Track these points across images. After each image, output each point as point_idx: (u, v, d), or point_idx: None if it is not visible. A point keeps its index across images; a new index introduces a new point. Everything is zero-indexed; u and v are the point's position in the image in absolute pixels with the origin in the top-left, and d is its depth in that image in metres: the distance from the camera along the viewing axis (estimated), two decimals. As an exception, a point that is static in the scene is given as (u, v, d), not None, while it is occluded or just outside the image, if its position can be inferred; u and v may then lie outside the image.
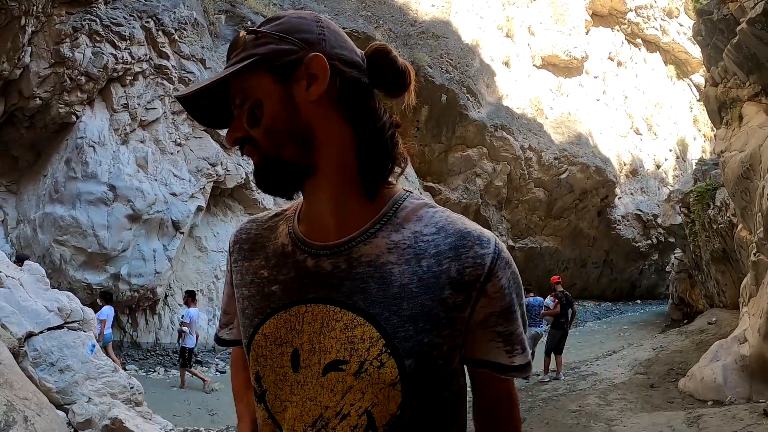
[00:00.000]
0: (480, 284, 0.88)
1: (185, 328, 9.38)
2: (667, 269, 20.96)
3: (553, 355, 9.26)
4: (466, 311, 0.88)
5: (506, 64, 20.80)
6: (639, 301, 25.81)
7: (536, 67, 22.11)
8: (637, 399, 6.09)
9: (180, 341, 9.62)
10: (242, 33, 0.95)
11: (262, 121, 0.90)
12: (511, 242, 21.41)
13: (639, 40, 27.06)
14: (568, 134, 21.50)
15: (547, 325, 9.58)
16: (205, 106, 0.97)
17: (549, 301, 9.74)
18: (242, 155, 0.97)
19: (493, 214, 20.71)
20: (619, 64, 25.62)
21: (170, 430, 5.48)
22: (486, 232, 0.93)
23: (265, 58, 0.90)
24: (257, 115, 0.90)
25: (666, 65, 28.37)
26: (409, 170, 18.54)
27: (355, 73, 0.94)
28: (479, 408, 1.01)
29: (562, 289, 9.49)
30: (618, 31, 26.03)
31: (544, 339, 9.82)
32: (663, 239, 23.80)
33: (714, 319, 10.73)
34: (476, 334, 0.91)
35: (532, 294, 10.36)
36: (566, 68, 23.01)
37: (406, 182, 18.20)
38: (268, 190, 0.94)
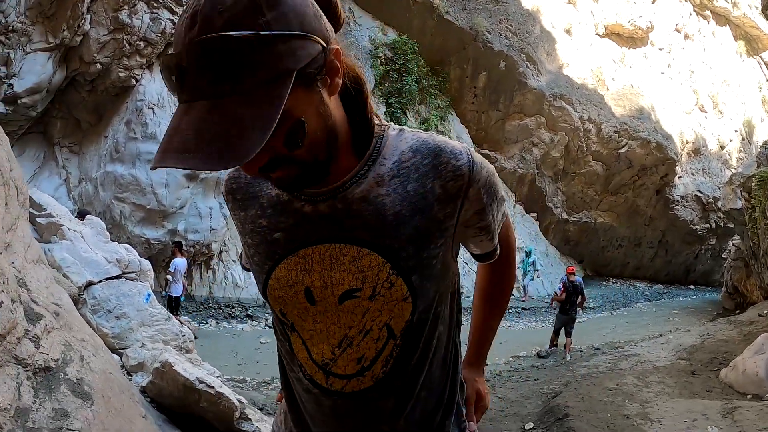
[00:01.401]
0: (463, 192, 0.98)
1: (169, 277, 9.87)
2: (723, 256, 20.15)
3: (568, 338, 10.23)
4: (454, 218, 0.99)
5: (568, 31, 20.13)
6: (692, 287, 25.02)
7: (599, 36, 21.28)
8: (675, 384, 6.03)
9: (166, 290, 10.07)
10: (233, 32, 0.71)
11: (307, 138, 0.83)
12: (565, 215, 21.06)
13: (708, 12, 25.55)
14: (629, 107, 20.72)
15: (555, 309, 10.78)
16: None
17: (557, 288, 10.84)
18: (270, 173, 0.87)
19: (548, 185, 20.37)
20: (686, 36, 24.31)
21: (217, 376, 5.82)
22: (456, 144, 1.00)
23: (304, 72, 0.78)
24: (300, 136, 0.82)
25: (735, 40, 26.73)
26: (466, 137, 18.43)
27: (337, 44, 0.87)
28: (482, 278, 1.34)
29: (572, 279, 10.39)
30: (686, 1, 24.61)
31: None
32: (722, 224, 22.86)
33: (766, 312, 10.36)
34: (464, 230, 1.04)
35: (575, 274, 11.22)
36: (630, 38, 22.04)
37: (462, 147, 18.04)
38: (302, 189, 0.95)
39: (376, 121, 1.02)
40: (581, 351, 10.02)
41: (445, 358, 1.12)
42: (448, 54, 17.56)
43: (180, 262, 10.12)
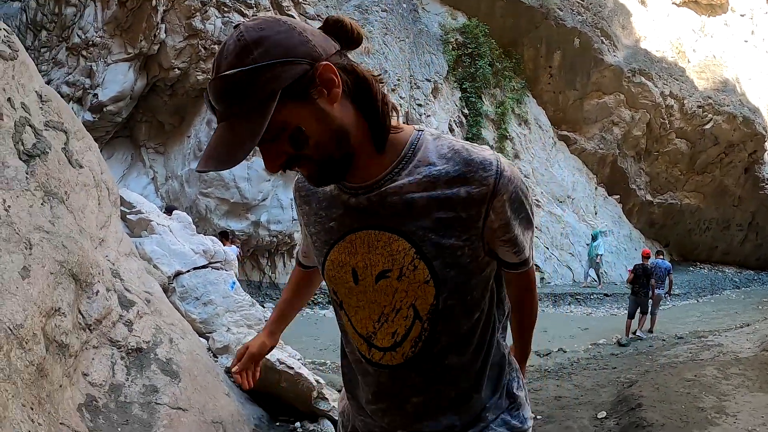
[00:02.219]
0: (487, 200, 1.10)
1: None
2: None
3: (643, 316, 10.29)
4: (479, 222, 1.11)
5: (643, 3, 19.08)
6: (786, 273, 23.27)
7: (676, 5, 19.96)
8: (757, 377, 5.70)
9: None
10: (230, 71, 0.94)
11: (310, 142, 1.01)
12: (649, 197, 20.14)
13: None
14: (713, 80, 19.45)
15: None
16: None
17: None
18: (290, 169, 1.06)
19: (630, 165, 19.54)
20: (770, -1, 22.35)
21: (298, 359, 6.11)
22: (488, 155, 1.12)
23: (288, 87, 0.95)
24: (302, 140, 1.00)
25: None
26: (543, 119, 17.99)
27: (340, 58, 1.04)
28: (509, 292, 1.35)
29: (643, 263, 10.37)
30: None
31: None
32: (818, 203, 21.15)
33: None
34: (492, 239, 1.15)
35: (661, 256, 11.72)
36: (709, 6, 20.53)
37: (540, 131, 17.78)
38: (327, 184, 1.12)
39: (400, 121, 1.16)
40: (663, 340, 9.66)
41: (479, 352, 1.23)
42: (520, 35, 17.17)
43: (228, 250, 10.46)
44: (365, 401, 1.29)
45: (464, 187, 1.09)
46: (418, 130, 1.17)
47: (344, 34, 1.06)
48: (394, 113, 1.13)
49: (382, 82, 1.12)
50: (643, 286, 10.21)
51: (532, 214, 1.20)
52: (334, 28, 1.05)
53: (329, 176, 1.08)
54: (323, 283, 1.37)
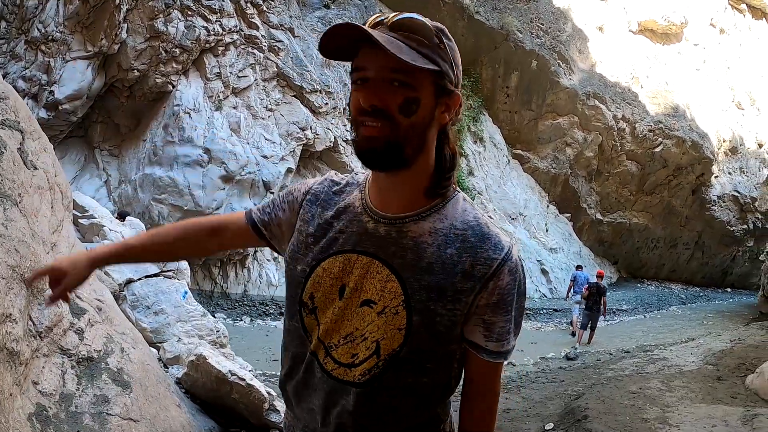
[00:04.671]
0: (484, 280, 1.14)
1: None
2: (761, 258, 19.58)
3: (591, 331, 11.56)
4: (469, 297, 1.15)
5: (600, 29, 19.84)
6: (729, 290, 24.28)
7: (632, 32, 20.87)
8: (700, 389, 5.96)
9: None
10: (425, 22, 1.10)
11: (413, 116, 1.10)
12: (599, 216, 20.78)
13: (743, 6, 24.65)
14: (664, 105, 20.32)
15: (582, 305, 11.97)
16: (342, 46, 1.12)
17: (581, 286, 12.34)
18: (374, 116, 1.10)
19: (582, 185, 20.15)
20: (722, 31, 23.53)
21: (249, 370, 6.04)
22: (504, 239, 1.18)
23: (443, 76, 1.12)
24: (413, 109, 1.10)
25: None
26: (498, 137, 18.37)
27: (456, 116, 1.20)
28: (465, 384, 1.28)
29: (597, 282, 11.60)
30: None
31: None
32: (760, 225, 22.21)
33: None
34: (473, 317, 1.17)
35: (581, 268, 13.82)
36: (664, 35, 21.55)
37: (495, 149, 18.17)
38: (371, 160, 1.13)
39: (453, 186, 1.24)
40: (610, 354, 9.95)
41: (414, 416, 1.24)
42: (479, 54, 17.55)
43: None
44: (296, 402, 1.31)
45: (471, 259, 1.15)
46: (456, 190, 1.24)
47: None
48: (454, 171, 1.23)
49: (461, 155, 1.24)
50: (596, 302, 11.25)
51: (518, 313, 1.20)
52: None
53: (384, 158, 1.12)
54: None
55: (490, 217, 1.25)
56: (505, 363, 1.27)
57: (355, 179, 1.31)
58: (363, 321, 1.19)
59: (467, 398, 1.28)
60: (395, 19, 1.10)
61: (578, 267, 14.57)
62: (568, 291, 13.50)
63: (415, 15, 1.11)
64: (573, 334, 12.39)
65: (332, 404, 1.23)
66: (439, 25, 1.14)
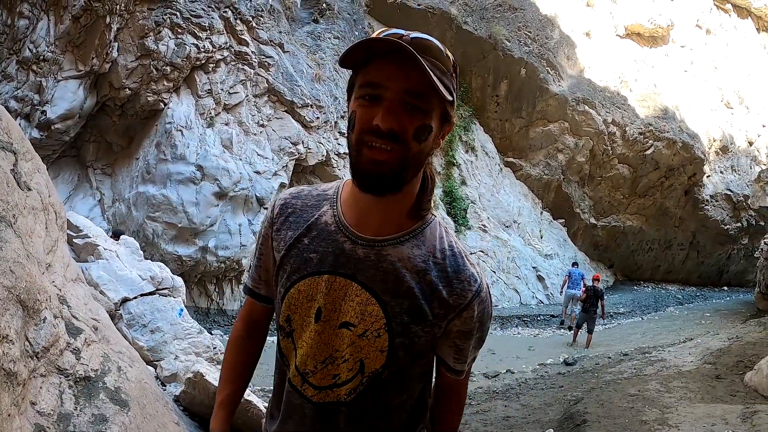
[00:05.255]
0: (459, 310, 1.19)
1: None
2: (756, 255, 19.69)
3: (586, 334, 11.94)
4: (444, 321, 1.20)
5: (587, 34, 20.03)
6: (726, 288, 24.37)
7: (619, 37, 21.08)
8: (699, 389, 5.99)
9: None
10: (445, 49, 1.10)
11: (423, 143, 1.10)
12: (593, 220, 20.85)
13: (728, 6, 24.92)
14: (653, 108, 20.47)
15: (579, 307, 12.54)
16: (359, 58, 1.10)
17: (578, 287, 13.22)
18: (375, 140, 1.07)
19: (575, 190, 20.24)
20: (708, 32, 23.77)
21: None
22: (476, 272, 1.22)
23: (452, 104, 1.13)
24: (425, 136, 1.10)
25: (759, 32, 25.97)
26: (490, 146, 18.44)
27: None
28: (436, 388, 1.38)
29: (593, 285, 12.04)
30: None
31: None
32: (754, 222, 22.29)
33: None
34: (445, 339, 1.24)
35: (577, 266, 14.97)
36: (651, 38, 21.78)
37: (487, 157, 18.25)
38: (373, 187, 1.12)
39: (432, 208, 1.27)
40: (609, 357, 9.98)
41: (407, 424, 1.32)
42: (468, 64, 17.68)
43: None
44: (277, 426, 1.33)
45: (446, 290, 1.19)
46: (432, 215, 1.26)
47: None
48: (432, 196, 1.26)
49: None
50: (593, 305, 11.68)
51: (483, 335, 1.28)
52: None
53: (389, 183, 1.11)
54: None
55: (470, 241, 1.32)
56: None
57: (324, 192, 1.29)
58: (343, 343, 1.20)
59: (440, 405, 1.37)
60: (415, 37, 1.07)
61: (574, 264, 15.51)
62: (563, 287, 14.49)
63: (432, 38, 1.09)
64: (570, 328, 12.96)
65: (323, 429, 1.25)
66: (449, 52, 1.13)
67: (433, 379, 1.38)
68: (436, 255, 1.20)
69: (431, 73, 1.03)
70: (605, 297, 12.31)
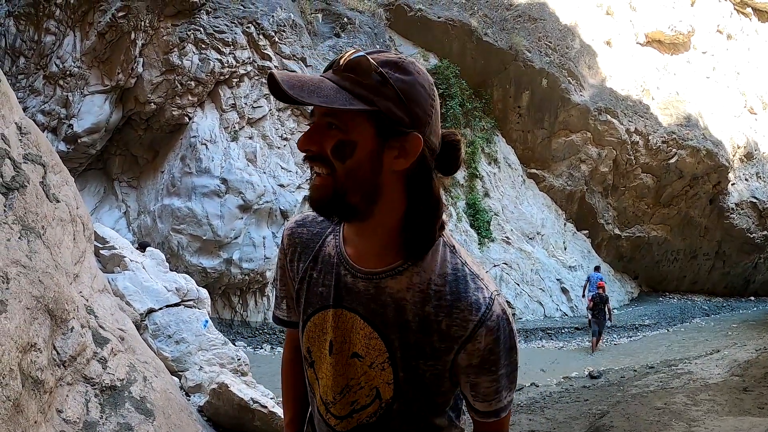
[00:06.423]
0: (461, 342, 1.11)
1: None
2: (782, 264, 19.25)
3: (596, 339, 12.93)
4: (449, 355, 1.13)
5: (608, 43, 19.87)
6: (753, 298, 23.72)
7: (640, 45, 20.86)
8: (726, 402, 5.83)
9: None
10: (368, 58, 1.00)
11: (348, 161, 1.02)
12: (617, 231, 20.55)
13: (749, 10, 24.40)
14: (676, 115, 20.17)
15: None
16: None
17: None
18: (306, 164, 1.07)
19: (598, 201, 20.00)
20: (729, 37, 23.31)
21: (271, 398, 6.04)
22: (482, 297, 1.10)
23: (381, 116, 1.00)
24: (346, 153, 1.02)
25: None
26: (512, 157, 18.37)
27: (431, 161, 1.08)
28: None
29: (598, 293, 12.95)
30: (725, 0, 23.57)
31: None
32: (781, 230, 21.81)
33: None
34: (459, 375, 1.17)
35: (599, 269, 16.34)
36: (672, 45, 21.51)
37: (510, 169, 18.17)
38: (321, 213, 1.09)
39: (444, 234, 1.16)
40: (635, 370, 9.80)
41: None
42: (489, 75, 17.67)
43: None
44: None
45: (447, 320, 1.10)
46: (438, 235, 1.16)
47: (450, 159, 1.13)
48: (440, 232, 1.14)
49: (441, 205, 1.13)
50: (600, 311, 12.64)
51: (508, 370, 1.16)
52: (449, 145, 1.13)
53: (330, 207, 1.07)
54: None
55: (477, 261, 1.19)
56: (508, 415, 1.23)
57: (327, 221, 1.25)
58: (356, 372, 1.19)
59: None
60: (345, 59, 1.02)
61: (596, 268, 16.49)
62: (584, 290, 15.40)
63: (360, 53, 1.01)
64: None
65: None
66: (394, 59, 1.04)
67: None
68: (436, 282, 1.11)
69: (320, 90, 0.98)
70: (609, 301, 13.23)
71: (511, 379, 1.18)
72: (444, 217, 1.14)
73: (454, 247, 1.16)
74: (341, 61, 1.02)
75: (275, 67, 12.35)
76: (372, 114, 1.00)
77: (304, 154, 1.06)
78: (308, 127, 1.06)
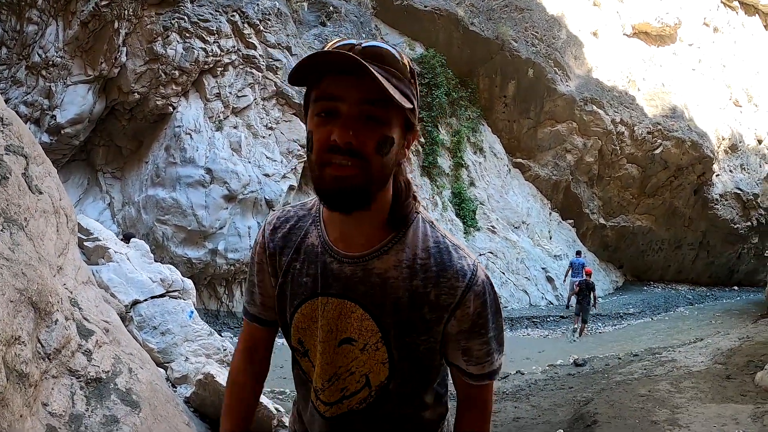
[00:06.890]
0: (451, 309, 1.15)
1: None
2: (766, 254, 19.53)
3: (583, 325, 13.26)
4: (440, 325, 1.17)
5: (594, 34, 19.92)
6: (736, 288, 24.00)
7: (627, 36, 20.94)
8: (709, 389, 5.94)
9: None
10: (401, 55, 1.05)
11: (386, 157, 1.05)
12: (602, 220, 20.73)
13: (736, 3, 24.58)
14: (662, 107, 20.31)
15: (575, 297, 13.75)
16: (311, 71, 1.05)
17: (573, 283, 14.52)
18: (334, 157, 1.03)
19: (583, 191, 20.14)
20: (715, 30, 23.46)
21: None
22: (466, 264, 1.15)
23: (413, 113, 1.08)
24: (387, 149, 1.05)
25: (766, 30, 25.58)
26: (498, 147, 18.41)
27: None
28: (458, 397, 1.32)
29: (585, 279, 13.31)
30: None
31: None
32: (764, 221, 22.06)
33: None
34: (449, 343, 1.20)
35: (580, 254, 16.97)
36: (658, 36, 21.61)
37: (495, 158, 18.23)
38: (343, 200, 1.07)
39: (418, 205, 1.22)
40: (619, 358, 9.92)
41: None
42: (475, 65, 17.66)
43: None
44: None
45: (435, 290, 1.14)
46: (415, 213, 1.20)
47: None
48: (415, 203, 1.20)
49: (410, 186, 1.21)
50: (585, 297, 12.90)
51: (496, 332, 1.20)
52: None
53: (356, 194, 1.06)
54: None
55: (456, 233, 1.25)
56: (497, 380, 1.29)
57: (308, 211, 1.28)
58: (345, 359, 1.21)
59: (461, 416, 1.30)
60: (367, 45, 1.03)
61: (577, 253, 17.07)
62: (566, 275, 16.20)
63: (386, 45, 1.05)
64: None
65: None
66: (407, 58, 1.09)
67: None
68: (421, 256, 1.15)
69: (385, 80, 0.98)
70: (596, 288, 13.65)
71: (500, 341, 1.23)
72: (414, 188, 1.20)
73: (432, 222, 1.21)
74: (358, 47, 1.03)
75: (260, 56, 12.25)
76: (405, 109, 1.05)
77: (336, 146, 1.02)
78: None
